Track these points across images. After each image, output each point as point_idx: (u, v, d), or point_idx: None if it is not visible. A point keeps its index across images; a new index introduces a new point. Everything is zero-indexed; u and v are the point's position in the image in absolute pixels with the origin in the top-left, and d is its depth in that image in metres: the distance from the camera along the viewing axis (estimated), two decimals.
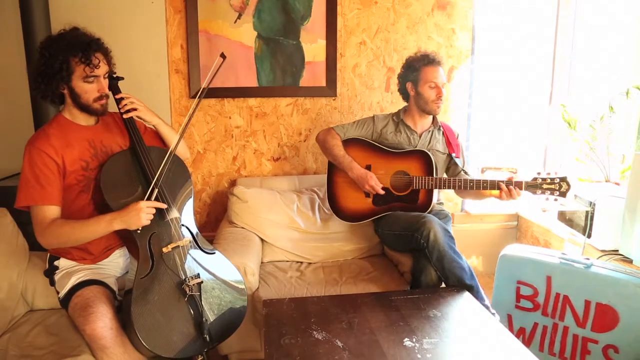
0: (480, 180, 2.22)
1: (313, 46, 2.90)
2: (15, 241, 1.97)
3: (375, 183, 2.33)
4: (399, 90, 2.51)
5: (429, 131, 2.46)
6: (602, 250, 2.30)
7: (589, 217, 2.36)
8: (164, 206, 1.72)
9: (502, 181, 2.19)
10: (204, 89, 1.80)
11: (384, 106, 3.03)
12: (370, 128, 2.48)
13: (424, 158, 2.33)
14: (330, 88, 2.96)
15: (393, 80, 3.01)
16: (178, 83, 2.88)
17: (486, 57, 3.11)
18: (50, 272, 1.82)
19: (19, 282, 1.92)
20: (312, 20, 2.87)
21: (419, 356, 1.47)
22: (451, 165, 2.51)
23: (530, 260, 2.17)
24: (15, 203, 1.66)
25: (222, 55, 1.78)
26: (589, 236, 2.37)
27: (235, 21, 2.83)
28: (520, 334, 2.21)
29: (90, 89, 1.71)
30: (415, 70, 2.38)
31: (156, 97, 2.84)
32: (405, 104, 2.53)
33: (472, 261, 2.12)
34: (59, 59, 1.64)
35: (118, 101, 1.83)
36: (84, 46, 1.66)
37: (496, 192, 2.23)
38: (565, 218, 2.64)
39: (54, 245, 1.69)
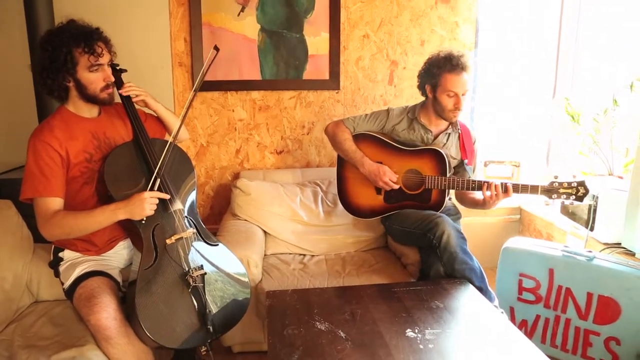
0: (492, 182, 2.14)
1: (316, 39, 2.90)
2: (20, 233, 1.98)
3: (390, 178, 2.27)
4: (417, 86, 2.39)
5: (446, 133, 2.36)
6: (605, 243, 2.30)
7: (592, 210, 2.35)
8: (167, 196, 1.74)
9: (518, 184, 2.12)
10: (200, 81, 1.80)
11: (388, 99, 3.03)
12: (383, 122, 2.39)
13: (437, 157, 2.26)
14: (333, 81, 2.95)
15: (396, 74, 3.01)
16: (181, 76, 2.88)
17: (490, 51, 3.10)
18: (54, 264, 1.83)
19: (24, 274, 1.94)
20: (316, 13, 2.86)
21: (421, 347, 1.47)
22: (459, 170, 2.42)
23: (532, 253, 2.18)
24: (20, 195, 1.67)
25: (216, 48, 1.80)
26: (591, 229, 2.37)
27: (239, 14, 2.82)
28: (522, 326, 2.21)
29: (96, 79, 1.72)
30: (435, 76, 2.24)
31: (159, 90, 2.84)
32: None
33: (475, 255, 2.11)
34: (63, 51, 1.64)
35: (122, 92, 1.85)
36: (86, 36, 1.67)
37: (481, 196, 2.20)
38: (568, 211, 2.64)
39: (57, 236, 1.70)
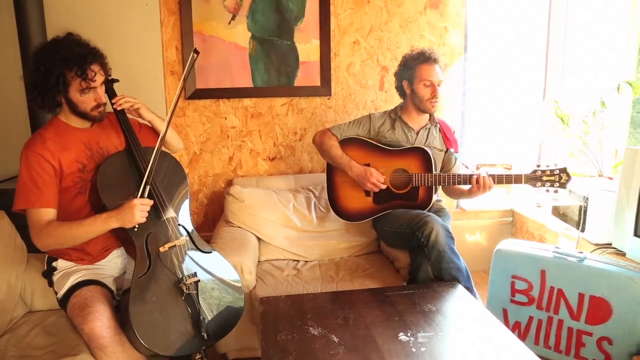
0: (479, 174, 2.21)
1: (307, 46, 2.92)
2: (14, 243, 1.98)
3: (377, 179, 2.32)
4: (396, 87, 2.50)
5: (426, 128, 2.44)
6: (596, 244, 2.32)
7: (583, 211, 2.38)
8: (150, 202, 1.71)
9: (502, 175, 2.19)
10: (183, 84, 1.85)
11: (378, 105, 3.05)
12: (367, 126, 2.46)
13: (422, 155, 2.32)
14: (324, 87, 2.97)
15: (387, 79, 3.03)
16: (173, 84, 2.89)
17: (479, 55, 3.13)
18: (48, 273, 1.83)
19: (17, 284, 1.93)
20: (306, 20, 2.89)
21: (413, 350, 1.49)
22: (445, 159, 2.50)
23: (524, 255, 2.20)
24: (13, 206, 1.67)
25: (195, 51, 1.81)
26: (582, 230, 2.40)
27: (230, 22, 2.84)
28: (515, 328, 2.23)
29: (87, 100, 1.72)
30: (410, 69, 2.36)
31: (152, 98, 2.84)
32: (401, 100, 2.52)
33: (467, 257, 2.14)
34: (55, 73, 1.63)
35: (114, 104, 1.85)
36: (79, 59, 1.64)
37: (467, 187, 2.30)
38: (559, 213, 2.67)
39: (50, 246, 1.70)
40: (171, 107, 1.81)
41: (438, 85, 2.33)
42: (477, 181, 2.21)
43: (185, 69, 1.81)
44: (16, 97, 2.64)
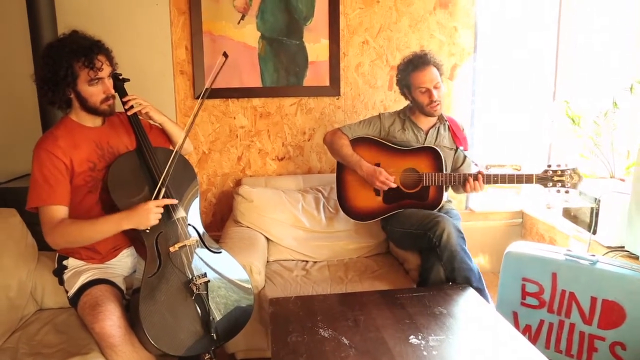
0: (490, 174, 2.22)
1: (316, 46, 2.91)
2: (25, 241, 1.99)
3: (386, 178, 2.31)
4: (400, 93, 2.50)
5: (435, 127, 2.44)
6: (608, 247, 2.29)
7: (594, 213, 2.35)
8: (175, 201, 1.76)
9: (513, 175, 2.19)
10: (207, 89, 1.83)
11: (388, 105, 3.04)
12: (378, 126, 2.47)
13: (432, 154, 2.33)
14: (333, 87, 2.97)
15: None
16: (183, 84, 2.90)
17: (489, 54, 3.11)
18: (59, 272, 1.84)
19: (28, 282, 1.94)
20: (315, 20, 2.88)
21: (424, 353, 1.47)
22: (455, 157, 2.50)
23: (535, 258, 2.17)
24: (26, 205, 1.68)
25: (225, 55, 1.81)
26: (594, 233, 2.37)
27: (239, 22, 2.84)
28: (526, 331, 2.20)
29: (96, 92, 1.73)
30: (405, 79, 2.38)
31: (161, 98, 2.85)
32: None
33: (477, 259, 2.12)
34: (64, 66, 1.66)
35: (125, 103, 1.86)
36: (86, 50, 1.68)
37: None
38: (570, 215, 2.64)
39: (62, 245, 1.71)
40: (191, 117, 1.82)
41: (435, 88, 2.32)
42: (469, 183, 2.24)
43: (213, 73, 1.81)
44: (28, 97, 2.65)
